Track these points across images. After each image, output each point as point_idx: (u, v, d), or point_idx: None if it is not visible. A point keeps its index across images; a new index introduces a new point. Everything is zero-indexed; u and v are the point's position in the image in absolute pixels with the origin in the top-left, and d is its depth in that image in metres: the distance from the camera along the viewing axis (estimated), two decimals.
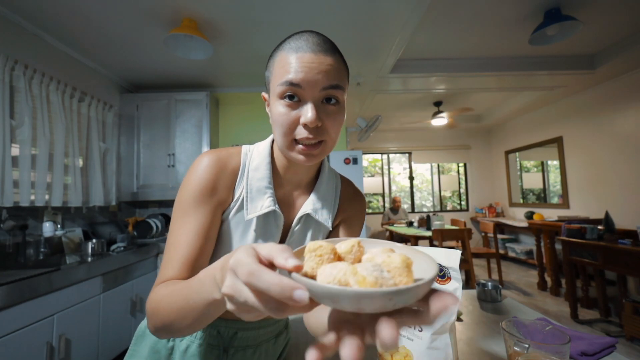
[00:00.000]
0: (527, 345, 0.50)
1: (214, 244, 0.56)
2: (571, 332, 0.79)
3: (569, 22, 2.13)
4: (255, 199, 0.57)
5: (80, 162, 2.45)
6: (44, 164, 2.08)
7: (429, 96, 4.10)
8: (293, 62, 0.48)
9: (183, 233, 0.51)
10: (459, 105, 4.53)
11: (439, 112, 4.41)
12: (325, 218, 0.66)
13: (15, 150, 1.93)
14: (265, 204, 0.56)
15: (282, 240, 0.61)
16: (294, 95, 0.48)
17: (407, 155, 6.25)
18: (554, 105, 4.34)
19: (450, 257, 0.56)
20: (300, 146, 0.50)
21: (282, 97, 0.49)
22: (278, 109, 0.50)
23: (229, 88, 3.39)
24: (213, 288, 0.33)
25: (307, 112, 0.48)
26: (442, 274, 0.56)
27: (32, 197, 2.01)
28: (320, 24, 2.22)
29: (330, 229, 0.69)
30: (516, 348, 0.52)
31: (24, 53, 2.05)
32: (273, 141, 0.62)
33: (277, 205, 0.57)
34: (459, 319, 0.93)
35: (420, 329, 0.55)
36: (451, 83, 3.48)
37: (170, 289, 0.43)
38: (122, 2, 1.92)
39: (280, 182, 0.60)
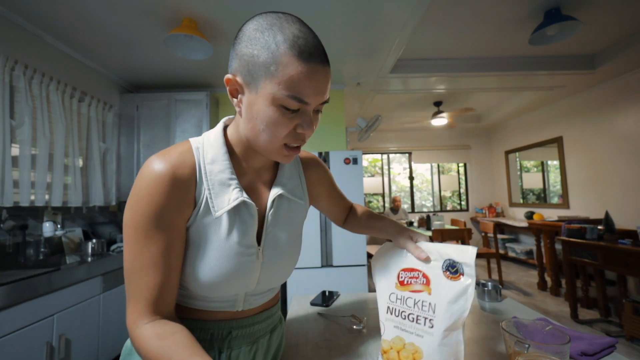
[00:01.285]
0: (527, 345, 0.50)
1: (183, 258, 0.53)
2: (571, 332, 0.79)
3: (569, 22, 2.13)
4: (220, 193, 0.53)
5: (80, 162, 2.45)
6: (44, 164, 2.08)
7: (429, 96, 4.10)
8: (306, 74, 0.45)
9: (149, 258, 0.48)
10: (459, 105, 4.53)
11: (439, 112, 4.42)
12: (299, 195, 0.67)
13: (15, 150, 1.93)
14: (232, 196, 0.53)
15: (259, 229, 0.59)
16: (297, 106, 0.48)
17: (407, 155, 6.25)
18: (554, 105, 4.35)
19: (465, 253, 0.55)
20: (288, 150, 0.52)
21: (278, 104, 0.47)
22: (271, 114, 0.47)
23: None
24: None
25: (308, 124, 0.49)
26: (455, 270, 0.54)
27: (32, 197, 2.01)
28: (320, 23, 2.22)
29: (308, 204, 0.71)
30: (516, 348, 0.52)
31: (24, 53, 2.05)
32: (224, 129, 0.59)
33: (245, 195, 0.54)
34: None
35: (431, 325, 0.53)
36: (451, 83, 3.48)
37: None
38: (122, 2, 1.92)
39: (241, 170, 0.58)
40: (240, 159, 0.58)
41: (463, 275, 0.53)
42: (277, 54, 0.45)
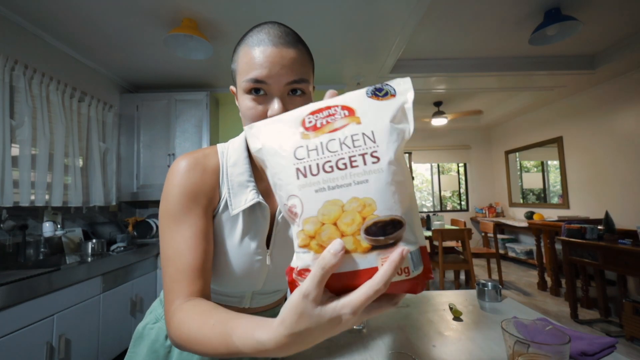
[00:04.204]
0: (527, 345, 0.50)
1: (213, 245, 0.56)
2: (571, 332, 0.79)
3: (569, 22, 2.13)
4: (238, 193, 0.57)
5: (80, 162, 2.45)
6: (44, 164, 2.08)
7: (429, 96, 4.10)
8: (256, 57, 0.49)
9: (182, 242, 0.50)
10: (459, 105, 4.52)
11: (439, 112, 4.42)
12: None
13: (15, 150, 1.93)
14: (249, 197, 0.56)
15: (269, 231, 0.61)
16: (260, 89, 0.50)
17: (407, 155, 6.25)
18: (554, 105, 4.35)
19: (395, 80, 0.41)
20: None
21: (248, 92, 0.51)
22: (246, 103, 0.52)
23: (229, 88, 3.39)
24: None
25: (274, 106, 0.50)
26: (384, 92, 0.39)
27: (32, 197, 2.01)
28: (320, 24, 2.22)
29: None
30: (516, 348, 0.52)
31: (24, 53, 2.05)
32: None
33: (261, 197, 0.57)
34: (459, 319, 0.93)
35: (376, 159, 0.34)
36: (451, 83, 3.48)
37: (212, 332, 0.39)
38: (122, 2, 1.92)
39: (260, 175, 0.61)
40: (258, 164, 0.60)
41: (395, 95, 0.39)
42: (237, 51, 0.53)
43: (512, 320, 0.57)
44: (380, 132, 0.36)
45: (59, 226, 2.17)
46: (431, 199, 6.48)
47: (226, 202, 0.57)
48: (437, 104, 4.40)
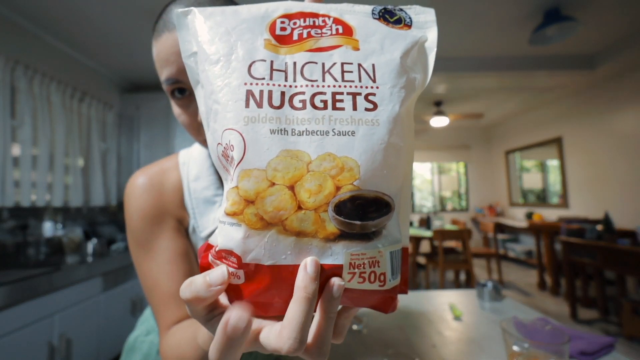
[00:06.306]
0: (526, 345, 0.51)
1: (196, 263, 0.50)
2: (570, 331, 0.80)
3: (568, 22, 2.13)
4: (205, 212, 0.49)
5: (81, 162, 2.45)
6: (45, 164, 2.08)
7: (429, 96, 4.10)
8: (163, 49, 0.40)
9: (158, 270, 0.45)
10: (460, 105, 4.53)
11: (439, 112, 4.42)
12: None
13: (16, 150, 1.94)
14: (218, 215, 0.50)
15: None
16: (183, 89, 0.41)
17: None
18: (554, 105, 4.35)
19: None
20: None
21: (171, 94, 0.42)
22: (174, 110, 0.44)
23: None
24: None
25: (202, 109, 0.39)
26: (396, 19, 0.28)
27: (33, 197, 2.01)
28: None
29: None
30: (516, 348, 0.52)
31: (25, 53, 2.05)
32: None
33: None
34: (459, 319, 0.94)
35: (372, 106, 0.24)
36: (451, 83, 3.48)
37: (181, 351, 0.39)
38: (122, 2, 1.92)
39: None
40: None
41: (410, 27, 0.28)
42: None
43: (512, 320, 0.58)
44: (384, 69, 0.25)
45: (59, 226, 2.18)
46: (431, 199, 6.48)
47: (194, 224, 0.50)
48: (437, 103, 4.41)
